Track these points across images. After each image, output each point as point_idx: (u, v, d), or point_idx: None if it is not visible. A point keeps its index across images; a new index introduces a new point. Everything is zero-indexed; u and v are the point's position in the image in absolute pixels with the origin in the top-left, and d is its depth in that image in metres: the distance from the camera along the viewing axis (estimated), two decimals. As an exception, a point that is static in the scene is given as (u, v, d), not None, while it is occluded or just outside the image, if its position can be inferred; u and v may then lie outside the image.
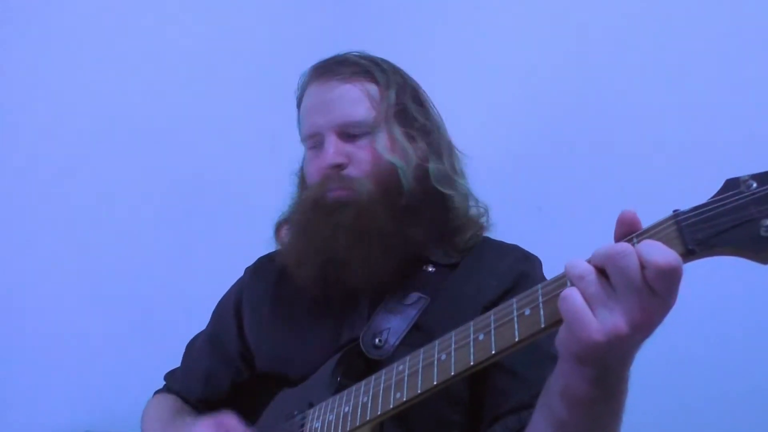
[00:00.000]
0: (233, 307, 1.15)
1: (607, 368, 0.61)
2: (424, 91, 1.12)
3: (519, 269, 0.98)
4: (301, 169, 1.12)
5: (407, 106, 1.05)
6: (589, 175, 1.52)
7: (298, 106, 1.11)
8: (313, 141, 1.04)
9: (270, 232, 1.12)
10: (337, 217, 0.97)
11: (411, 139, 1.03)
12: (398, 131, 1.02)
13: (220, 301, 1.20)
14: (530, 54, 1.60)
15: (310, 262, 0.99)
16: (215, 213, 1.70)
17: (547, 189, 1.56)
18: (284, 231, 1.09)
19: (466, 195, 1.06)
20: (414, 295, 0.97)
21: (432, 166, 1.02)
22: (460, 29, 1.64)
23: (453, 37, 1.64)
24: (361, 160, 1.00)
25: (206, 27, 1.78)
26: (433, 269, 1.01)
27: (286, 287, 1.07)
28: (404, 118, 1.04)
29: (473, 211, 1.06)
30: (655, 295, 0.56)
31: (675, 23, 1.53)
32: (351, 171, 1.00)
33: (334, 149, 0.99)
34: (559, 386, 0.65)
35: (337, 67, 1.04)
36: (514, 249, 1.05)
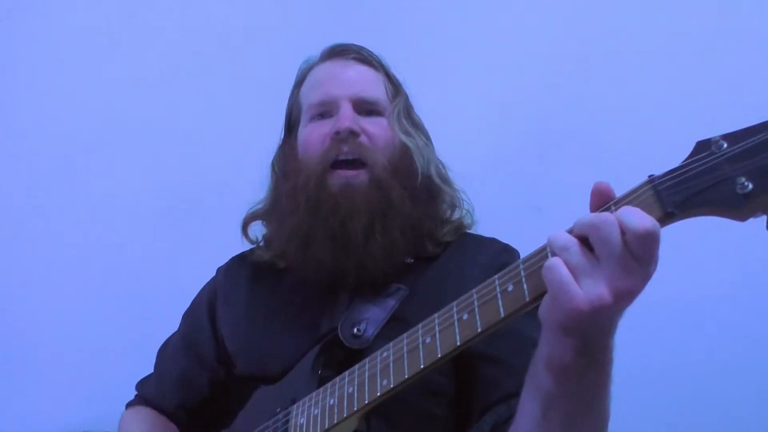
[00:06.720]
0: (207, 308, 1.12)
1: (590, 337, 0.61)
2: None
3: (500, 260, 0.98)
4: (274, 161, 1.10)
5: (411, 110, 1.10)
6: (588, 176, 1.51)
7: (299, 85, 1.11)
8: (322, 109, 1.03)
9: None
10: (352, 195, 0.94)
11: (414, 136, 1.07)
12: (408, 124, 1.05)
13: (192, 303, 1.17)
14: (528, 53, 1.60)
15: (320, 241, 0.95)
16: (215, 214, 1.66)
17: (546, 190, 1.55)
18: (269, 223, 1.08)
19: (453, 195, 1.08)
20: (393, 286, 0.96)
21: (435, 159, 1.07)
22: (458, 27, 1.65)
23: (451, 36, 1.65)
24: (374, 134, 1.00)
25: (206, 26, 1.77)
26: (412, 261, 1.00)
27: (262, 284, 1.05)
28: (409, 118, 1.08)
29: (457, 211, 1.08)
30: (636, 261, 0.56)
31: (672, 20, 1.55)
32: (364, 140, 0.99)
33: (352, 115, 1.00)
34: (543, 356, 0.64)
35: (355, 49, 1.08)
36: (494, 242, 1.06)
